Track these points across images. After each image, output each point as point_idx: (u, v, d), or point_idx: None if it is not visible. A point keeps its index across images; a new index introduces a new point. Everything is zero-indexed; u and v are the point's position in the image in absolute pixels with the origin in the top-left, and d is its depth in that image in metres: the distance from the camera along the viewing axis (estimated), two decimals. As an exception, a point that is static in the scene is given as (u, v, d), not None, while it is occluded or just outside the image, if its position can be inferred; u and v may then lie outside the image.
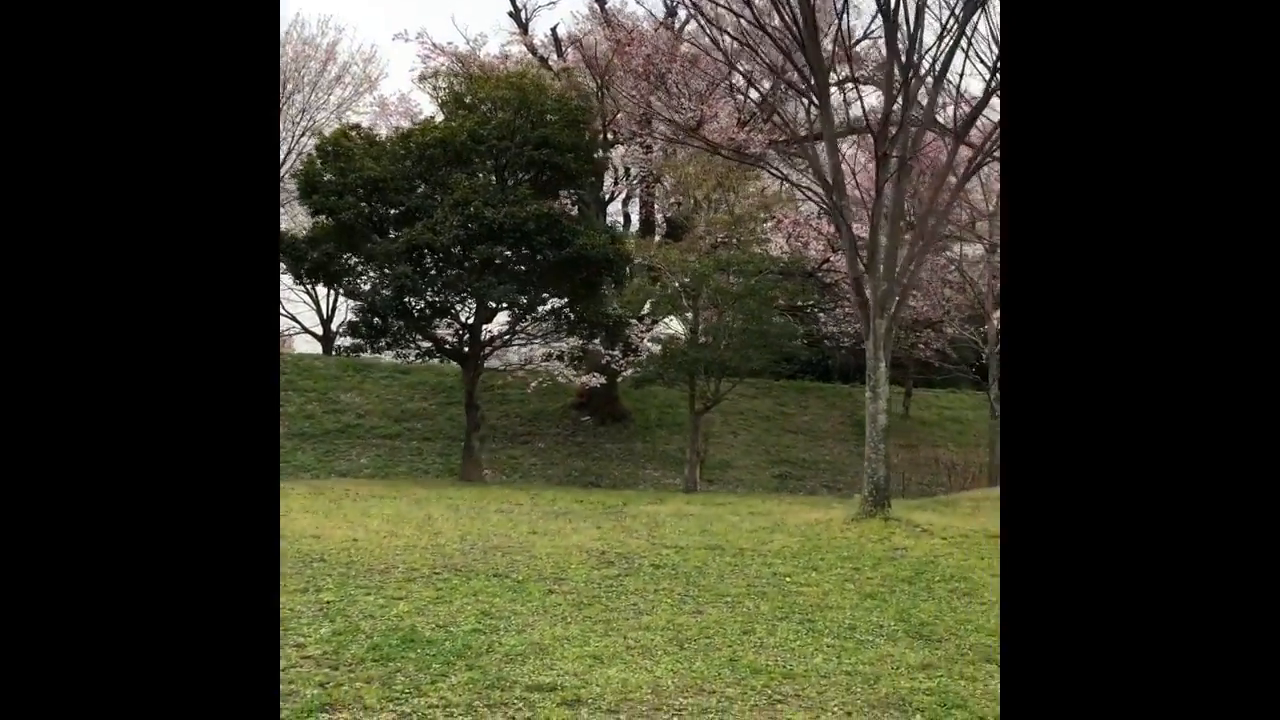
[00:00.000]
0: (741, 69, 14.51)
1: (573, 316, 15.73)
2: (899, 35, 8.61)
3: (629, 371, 18.91)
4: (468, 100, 15.46)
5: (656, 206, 24.00)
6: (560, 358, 17.06)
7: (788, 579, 6.98)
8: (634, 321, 18.22)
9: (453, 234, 13.61)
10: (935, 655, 5.28)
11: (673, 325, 20.31)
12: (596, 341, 18.71)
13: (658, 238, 23.31)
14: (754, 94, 19.07)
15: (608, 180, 24.32)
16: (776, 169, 13.20)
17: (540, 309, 15.89)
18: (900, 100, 8.82)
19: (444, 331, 15.69)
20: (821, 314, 25.16)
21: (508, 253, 14.15)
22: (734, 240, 18.76)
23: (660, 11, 22.72)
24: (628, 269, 16.78)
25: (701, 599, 6.35)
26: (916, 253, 9.31)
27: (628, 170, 22.80)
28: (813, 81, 8.96)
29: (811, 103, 9.33)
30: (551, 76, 18.64)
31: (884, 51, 9.55)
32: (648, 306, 18.91)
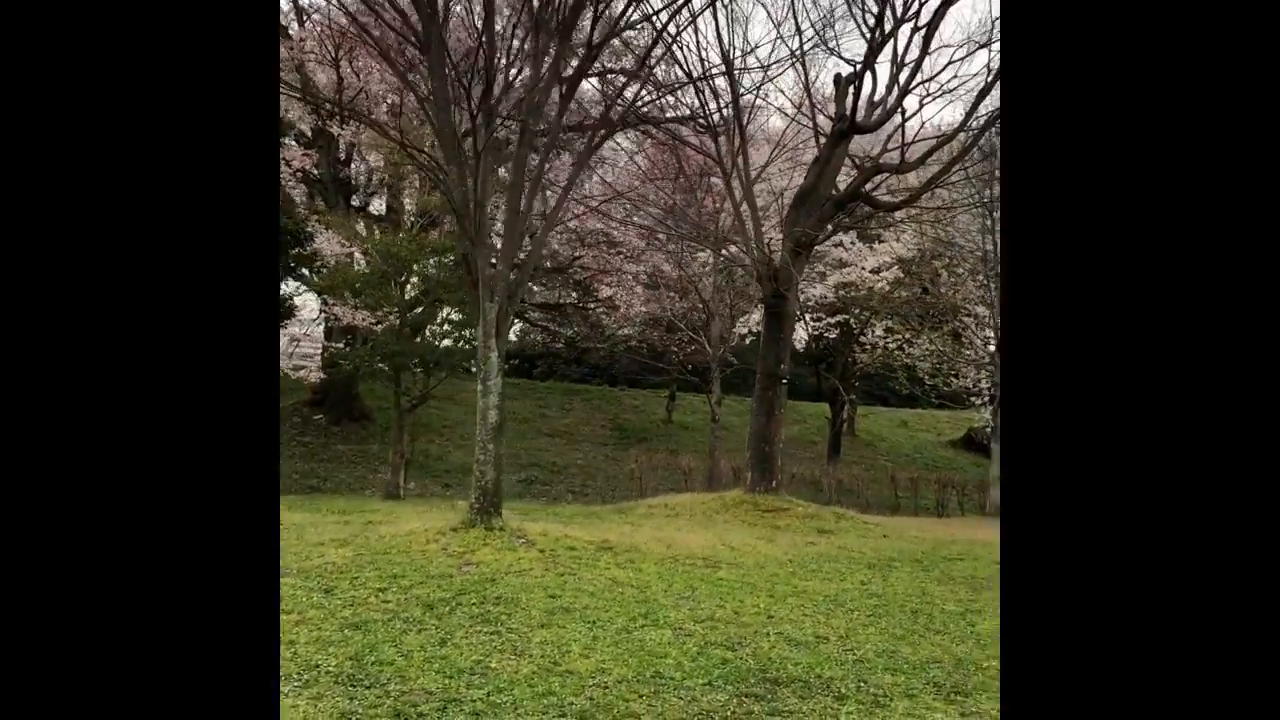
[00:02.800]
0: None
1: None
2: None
3: (349, 365, 17.24)
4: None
5: (405, 192, 22.45)
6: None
7: (269, 606, 5.68)
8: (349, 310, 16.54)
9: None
10: (334, 710, 4.11)
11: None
12: (307, 332, 16.96)
13: (409, 224, 21.77)
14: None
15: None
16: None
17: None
18: (525, 60, 7.72)
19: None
20: (587, 311, 24.22)
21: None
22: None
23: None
24: (311, 248, 15.10)
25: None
26: (537, 237, 8.23)
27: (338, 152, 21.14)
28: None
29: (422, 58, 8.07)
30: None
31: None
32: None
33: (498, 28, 8.50)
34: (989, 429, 19.38)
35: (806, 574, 7.95)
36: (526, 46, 8.11)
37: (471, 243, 7.89)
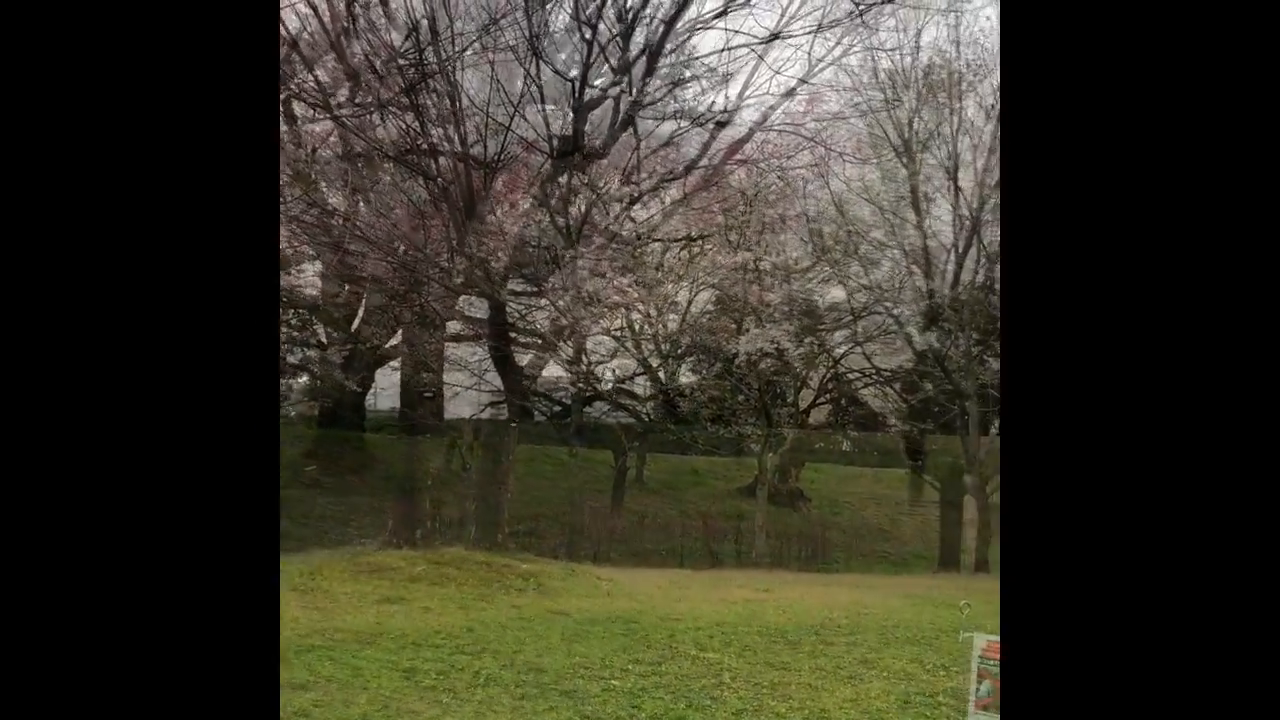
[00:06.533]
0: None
1: None
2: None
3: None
4: None
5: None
6: None
7: None
8: None
9: None
10: None
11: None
12: None
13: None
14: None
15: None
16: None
17: None
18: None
19: None
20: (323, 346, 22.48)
21: None
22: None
23: None
24: None
25: None
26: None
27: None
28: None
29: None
30: None
31: None
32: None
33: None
34: (757, 476, 19.14)
35: (450, 649, 6.81)
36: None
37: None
